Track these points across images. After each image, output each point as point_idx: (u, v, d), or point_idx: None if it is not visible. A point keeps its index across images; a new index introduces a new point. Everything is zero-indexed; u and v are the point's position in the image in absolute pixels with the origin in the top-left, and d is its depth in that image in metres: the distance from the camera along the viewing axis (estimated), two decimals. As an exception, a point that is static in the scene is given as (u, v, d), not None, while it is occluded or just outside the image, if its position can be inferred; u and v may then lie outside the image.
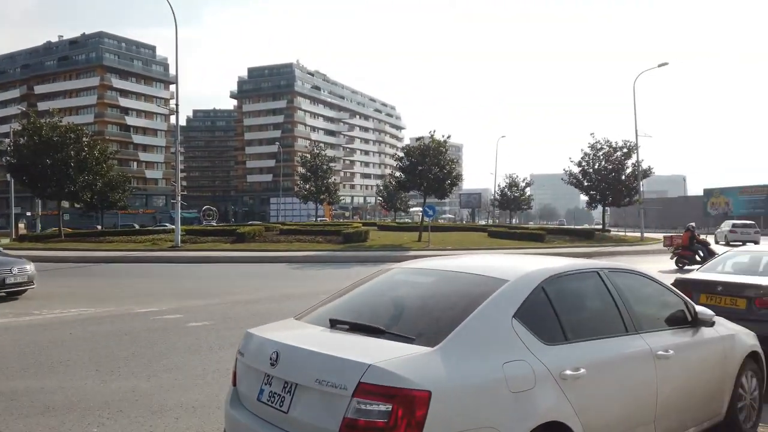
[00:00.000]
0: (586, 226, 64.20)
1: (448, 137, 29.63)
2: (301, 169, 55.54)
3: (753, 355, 4.59)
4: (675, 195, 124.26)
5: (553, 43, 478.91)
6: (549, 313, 3.28)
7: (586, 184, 39.97)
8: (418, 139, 30.00)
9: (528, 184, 62.94)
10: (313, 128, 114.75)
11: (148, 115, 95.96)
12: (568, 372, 3.03)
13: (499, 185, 65.11)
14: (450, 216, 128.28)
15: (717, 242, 34.72)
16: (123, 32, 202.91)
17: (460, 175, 33.78)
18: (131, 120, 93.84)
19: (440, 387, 2.56)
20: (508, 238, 31.94)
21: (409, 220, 69.15)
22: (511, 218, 78.73)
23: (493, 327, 2.96)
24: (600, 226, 45.46)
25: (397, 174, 31.57)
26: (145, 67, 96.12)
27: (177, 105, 27.17)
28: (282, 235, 30.59)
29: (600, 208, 42.89)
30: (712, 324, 4.19)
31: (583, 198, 42.27)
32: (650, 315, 3.99)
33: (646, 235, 39.49)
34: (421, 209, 30.65)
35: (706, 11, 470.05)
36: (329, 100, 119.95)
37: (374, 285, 3.75)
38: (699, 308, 4.20)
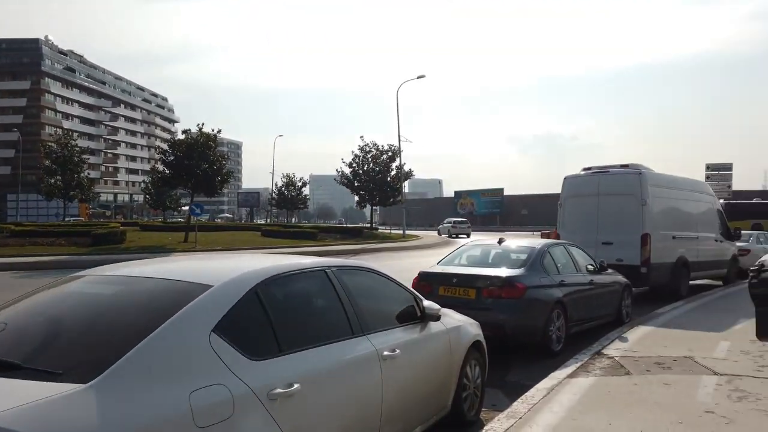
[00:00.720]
0: (361, 224, 67.66)
1: (219, 131, 28.14)
2: (46, 161, 47.65)
3: (476, 344, 4.81)
4: (433, 196, 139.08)
5: (338, 37, 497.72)
6: (262, 322, 2.85)
7: (356, 184, 41.96)
8: (185, 131, 27.79)
9: (304, 184, 63.82)
10: (67, 115, 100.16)
11: None
12: (279, 390, 2.62)
13: (276, 184, 64.87)
14: (228, 215, 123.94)
15: (440, 235, 45.54)
16: None
17: (232, 172, 32.46)
18: None
19: None
20: (281, 237, 31.73)
21: (182, 220, 64.58)
22: (289, 217, 79.06)
23: (181, 347, 2.40)
24: (370, 225, 48.23)
25: (161, 169, 28.91)
26: None
27: None
28: (13, 237, 25.62)
29: (369, 207, 45.48)
30: (438, 317, 4.22)
31: (356, 198, 44.29)
32: (379, 313, 3.85)
33: (408, 232, 43.00)
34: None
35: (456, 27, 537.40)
36: (87, 84, 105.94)
37: (34, 300, 2.90)
38: (426, 303, 4.21)
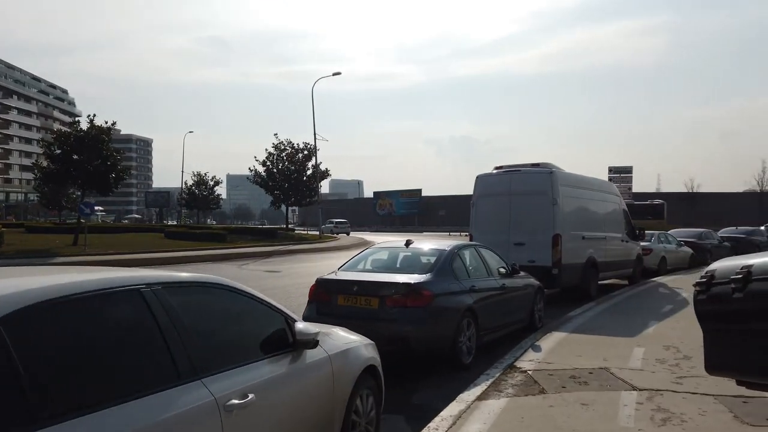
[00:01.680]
0: (282, 226, 65.39)
1: (113, 124, 25.72)
2: None
3: (370, 369, 3.96)
4: (353, 197, 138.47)
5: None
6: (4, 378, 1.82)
7: (271, 184, 40.31)
8: (72, 123, 25.15)
9: (217, 183, 60.85)
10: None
11: None
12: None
13: (186, 183, 61.43)
14: (137, 216, 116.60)
15: (323, 234, 43.99)
16: None
17: (128, 168, 29.97)
18: None
19: None
20: (186, 239, 29.64)
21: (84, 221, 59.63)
22: (199, 218, 75.37)
23: None
24: (285, 226, 46.62)
25: (45, 164, 26.02)
26: None
27: None
28: None
29: (284, 207, 43.90)
30: (315, 344, 3.32)
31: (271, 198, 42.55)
32: (229, 345, 2.90)
33: (326, 233, 41.95)
34: (101, 209, 25.90)
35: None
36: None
37: None
38: (300, 326, 3.29)
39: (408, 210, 76.37)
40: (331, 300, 6.51)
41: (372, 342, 4.23)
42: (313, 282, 6.81)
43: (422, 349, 6.16)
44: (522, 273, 8.74)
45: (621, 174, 36.11)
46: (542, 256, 11.30)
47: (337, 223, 55.51)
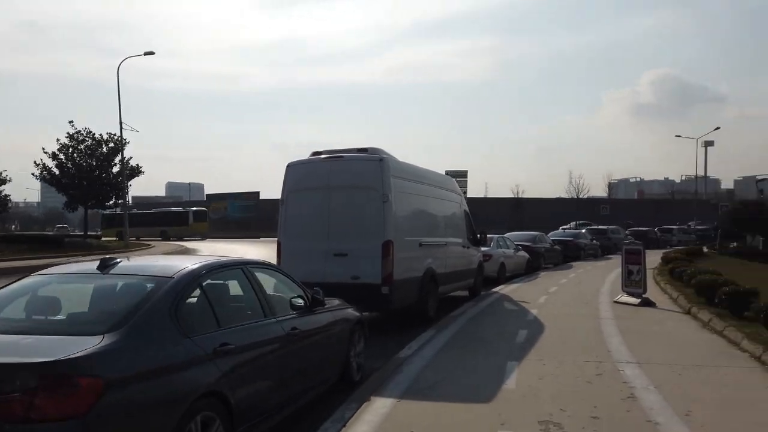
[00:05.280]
0: (98, 231, 56.02)
1: None
2: None
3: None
4: (185, 200, 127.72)
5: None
6: None
7: (64, 181, 33.25)
8: None
9: (4, 181, 50.30)
10: None
11: None
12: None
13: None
14: None
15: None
16: None
17: None
18: None
19: None
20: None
21: None
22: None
23: None
24: (84, 232, 39.20)
25: None
26: None
27: None
28: None
29: (85, 210, 36.67)
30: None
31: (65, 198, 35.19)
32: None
33: (135, 240, 35.78)
34: None
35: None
36: None
37: None
38: None
39: (244, 214, 71.14)
40: None
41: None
42: None
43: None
44: (336, 302, 5.77)
45: (457, 178, 35.78)
46: (369, 270, 8.52)
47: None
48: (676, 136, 62.10)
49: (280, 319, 4.46)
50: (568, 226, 31.79)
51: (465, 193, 37.02)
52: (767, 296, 9.52)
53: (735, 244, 28.35)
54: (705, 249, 27.44)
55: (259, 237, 53.08)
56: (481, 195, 73.03)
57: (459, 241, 12.08)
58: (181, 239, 45.64)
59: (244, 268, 4.39)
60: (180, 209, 56.24)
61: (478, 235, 13.60)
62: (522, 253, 19.23)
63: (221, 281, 4.22)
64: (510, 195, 62.70)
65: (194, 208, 57.11)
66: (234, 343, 3.71)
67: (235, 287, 4.33)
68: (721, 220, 30.56)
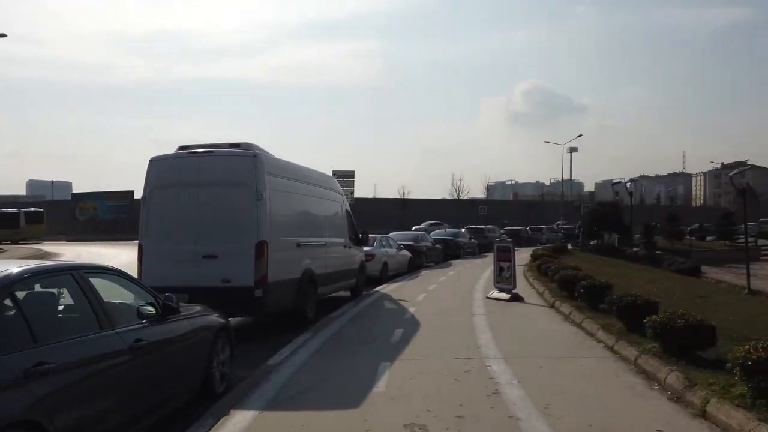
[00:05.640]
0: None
1: None
2: None
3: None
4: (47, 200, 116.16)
5: None
6: None
7: None
8: None
9: None
10: None
11: None
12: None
13: None
14: None
15: None
16: None
17: None
18: None
19: None
20: None
21: None
22: None
23: None
24: None
25: None
26: None
27: None
28: None
29: None
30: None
31: None
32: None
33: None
34: None
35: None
36: None
37: None
38: None
39: (116, 214, 65.85)
40: None
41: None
42: None
43: None
44: (197, 308, 5.30)
45: (344, 178, 35.75)
46: (241, 273, 8.04)
47: None
48: (545, 142, 66.92)
49: (122, 330, 3.94)
50: (420, 226, 33.57)
51: (352, 193, 37.33)
52: (620, 289, 10.39)
53: (595, 241, 31.05)
54: (569, 246, 29.72)
55: (133, 239, 49.38)
56: (371, 195, 73.97)
57: (340, 241, 11.91)
58: (16, 243, 40.84)
59: (74, 274, 3.80)
60: (10, 210, 49.71)
61: (360, 235, 13.56)
62: (404, 252, 19.53)
63: (43, 290, 3.64)
64: (397, 195, 64.05)
65: (27, 209, 51.48)
66: (55, 362, 3.18)
67: (64, 296, 3.76)
68: (583, 219, 33.27)
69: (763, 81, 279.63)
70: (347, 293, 12.64)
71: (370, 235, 16.71)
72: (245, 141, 8.93)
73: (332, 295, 11.68)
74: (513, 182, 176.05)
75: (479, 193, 72.30)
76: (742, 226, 34.13)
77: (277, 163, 9.26)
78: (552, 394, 4.98)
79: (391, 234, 22.70)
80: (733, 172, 26.29)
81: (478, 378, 5.53)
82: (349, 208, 13.28)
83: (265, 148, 9.09)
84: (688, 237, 38.64)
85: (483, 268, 19.14)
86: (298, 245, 9.44)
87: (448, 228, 38.55)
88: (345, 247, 12.18)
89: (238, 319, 8.94)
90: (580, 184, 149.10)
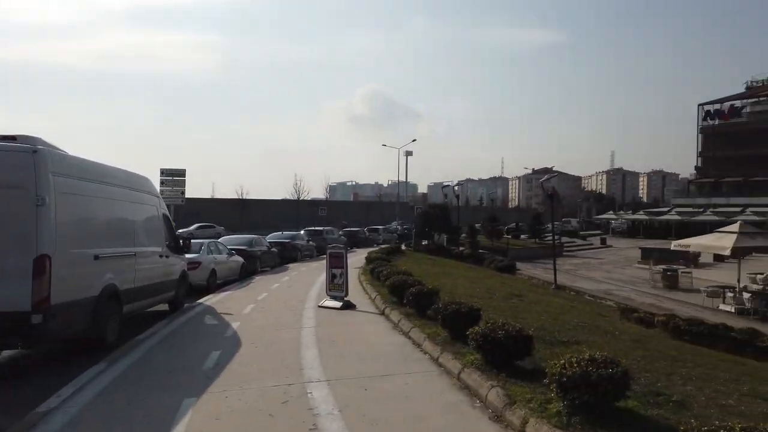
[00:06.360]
0: None
1: None
2: None
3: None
4: None
5: None
6: None
7: None
8: None
9: None
10: None
11: None
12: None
13: None
14: None
15: None
16: None
17: None
18: None
19: None
20: None
21: None
22: None
23: None
24: None
25: None
26: None
27: None
28: None
29: None
30: None
31: None
32: None
33: None
34: None
35: None
36: None
37: None
38: None
39: None
40: None
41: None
42: None
43: None
44: None
45: (174, 177, 32.86)
46: (14, 295, 6.56)
47: None
48: (383, 145, 68.79)
49: None
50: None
51: (183, 193, 34.85)
52: (447, 291, 10.57)
53: (426, 241, 32.41)
54: (403, 247, 30.64)
55: None
56: (208, 195, 69.83)
57: (155, 250, 10.59)
58: None
59: None
60: None
61: (181, 242, 12.29)
62: (236, 257, 18.39)
63: None
64: (236, 196, 61.32)
65: None
66: None
67: None
68: (416, 221, 34.55)
69: (571, 97, 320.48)
70: (165, 307, 11.34)
71: (195, 241, 15.41)
72: (24, 134, 7.36)
73: (148, 309, 10.34)
74: (354, 183, 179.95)
75: (321, 194, 72.26)
76: (550, 225, 38.45)
77: (67, 161, 7.80)
78: (372, 423, 4.59)
79: (222, 239, 21.35)
80: (543, 178, 29.13)
81: (297, 410, 4.94)
82: (167, 212, 11.93)
83: (79, 146, 7.64)
84: (505, 236, 42.19)
85: (320, 271, 18.69)
86: (96, 258, 8.06)
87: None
88: (161, 256, 10.86)
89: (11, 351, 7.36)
90: (415, 186, 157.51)
